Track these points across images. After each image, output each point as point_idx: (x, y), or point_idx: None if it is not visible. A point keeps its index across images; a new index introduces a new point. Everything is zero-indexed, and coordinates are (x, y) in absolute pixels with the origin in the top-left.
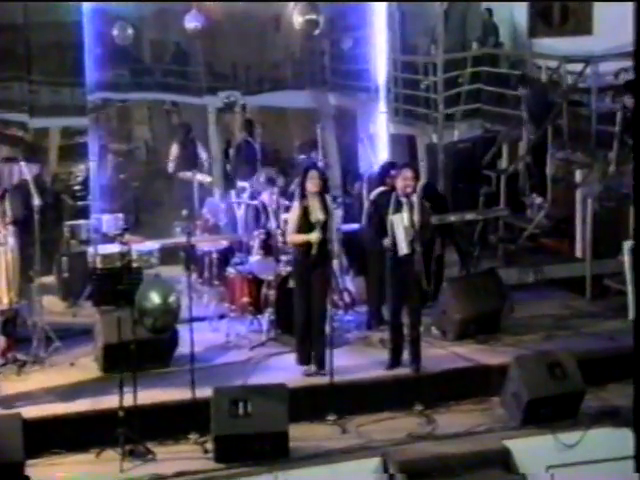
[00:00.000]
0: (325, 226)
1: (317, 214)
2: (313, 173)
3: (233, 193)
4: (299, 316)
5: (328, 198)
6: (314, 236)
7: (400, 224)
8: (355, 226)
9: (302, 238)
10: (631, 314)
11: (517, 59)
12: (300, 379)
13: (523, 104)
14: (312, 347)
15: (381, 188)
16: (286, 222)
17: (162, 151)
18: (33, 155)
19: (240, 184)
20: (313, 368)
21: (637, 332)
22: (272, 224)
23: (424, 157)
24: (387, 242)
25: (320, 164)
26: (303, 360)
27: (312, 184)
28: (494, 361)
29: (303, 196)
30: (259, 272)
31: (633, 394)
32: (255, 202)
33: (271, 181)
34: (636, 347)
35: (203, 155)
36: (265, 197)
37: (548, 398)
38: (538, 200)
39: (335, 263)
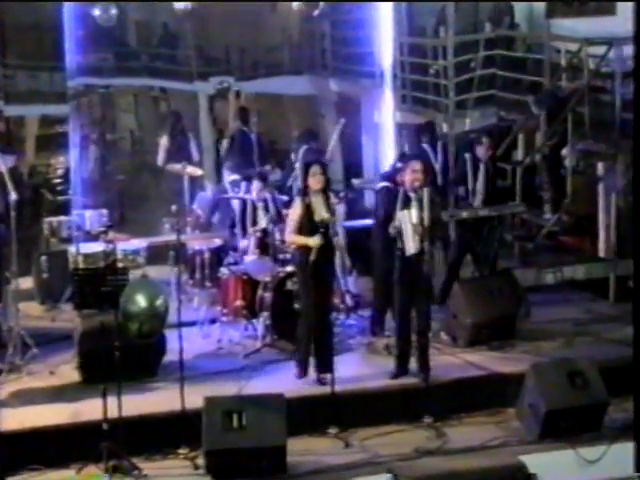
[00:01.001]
0: (328, 226)
1: (321, 213)
2: (316, 169)
3: (227, 187)
4: (305, 323)
5: (331, 196)
6: (314, 241)
7: (408, 221)
8: (359, 223)
9: (302, 241)
10: None
11: (534, 42)
12: (299, 389)
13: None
14: (318, 352)
15: (384, 183)
16: (283, 219)
17: (149, 141)
18: (8, 146)
19: (234, 177)
20: (315, 376)
21: (637, 336)
22: (268, 221)
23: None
24: (393, 229)
25: (327, 157)
26: (304, 372)
27: (315, 181)
28: (509, 369)
29: (305, 193)
30: (254, 273)
31: (633, 399)
32: (251, 197)
33: (261, 177)
34: (636, 350)
35: (194, 146)
36: (255, 193)
37: (568, 410)
38: (547, 195)
39: (337, 263)
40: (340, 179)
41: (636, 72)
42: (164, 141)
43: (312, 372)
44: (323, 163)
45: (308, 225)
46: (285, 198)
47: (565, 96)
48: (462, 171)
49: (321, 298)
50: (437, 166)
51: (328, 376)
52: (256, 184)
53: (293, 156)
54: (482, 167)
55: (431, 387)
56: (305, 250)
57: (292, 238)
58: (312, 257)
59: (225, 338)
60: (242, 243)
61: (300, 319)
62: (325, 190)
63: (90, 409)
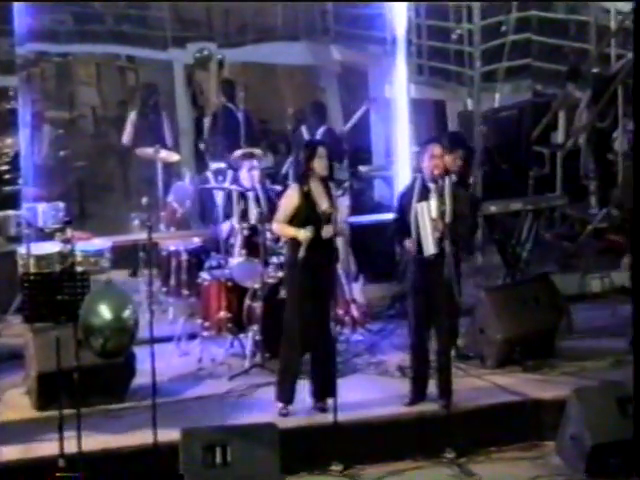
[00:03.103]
0: (330, 219)
1: (323, 203)
2: (323, 151)
3: (208, 176)
4: (288, 339)
5: (332, 186)
6: (305, 234)
7: (426, 215)
8: (366, 218)
9: (290, 232)
10: None
11: (577, 0)
12: (295, 417)
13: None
14: (317, 373)
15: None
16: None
17: (115, 120)
18: None
19: (217, 164)
20: (312, 402)
21: (637, 335)
22: (257, 216)
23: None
24: (409, 243)
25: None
26: (285, 396)
27: (322, 166)
28: (547, 395)
29: (305, 178)
30: (241, 278)
31: (633, 395)
32: (238, 187)
33: (251, 156)
34: (636, 351)
35: (168, 126)
36: (244, 177)
37: (618, 443)
38: (593, 185)
39: (340, 267)
40: (344, 166)
41: (636, 72)
42: (132, 120)
43: (308, 397)
44: (328, 145)
45: (306, 218)
46: (278, 188)
47: (615, 73)
48: None
49: (320, 309)
50: None
51: (330, 402)
52: (245, 170)
53: (291, 137)
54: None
55: (454, 416)
56: (295, 245)
57: (279, 227)
58: (301, 254)
59: (206, 357)
60: (224, 227)
61: (283, 334)
62: (326, 178)
63: (44, 443)
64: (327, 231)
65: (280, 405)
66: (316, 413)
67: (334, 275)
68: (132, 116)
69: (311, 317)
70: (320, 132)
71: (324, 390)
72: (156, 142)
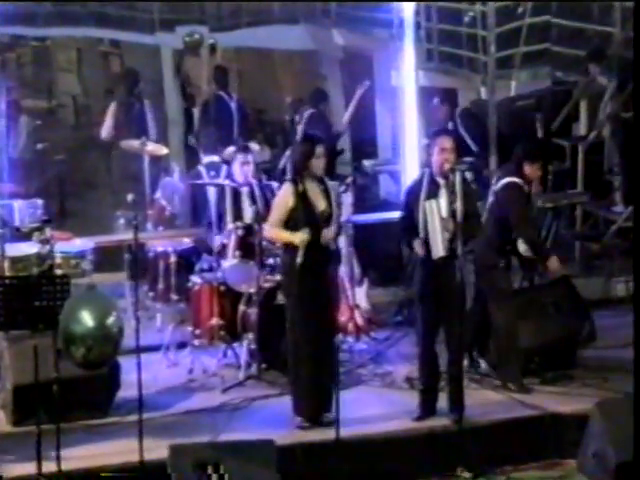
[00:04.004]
0: (329, 220)
1: (320, 204)
2: (321, 151)
3: (199, 170)
4: (305, 347)
5: (329, 183)
6: (301, 237)
7: (436, 214)
8: (371, 217)
9: (285, 237)
10: None
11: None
12: (294, 433)
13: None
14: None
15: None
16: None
17: (97, 111)
18: None
19: (210, 158)
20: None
21: (637, 335)
22: (253, 214)
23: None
24: (417, 244)
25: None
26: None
27: (319, 166)
28: (568, 409)
29: (300, 176)
30: (235, 282)
31: (633, 394)
32: (231, 183)
33: (244, 149)
34: (636, 349)
35: (150, 116)
36: (237, 172)
37: None
38: (617, 181)
39: (343, 270)
40: (347, 160)
41: (635, 72)
42: (112, 111)
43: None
44: (325, 142)
45: (302, 220)
46: (275, 185)
47: None
48: None
49: (321, 316)
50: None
51: (331, 416)
52: (238, 164)
53: (289, 129)
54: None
55: (466, 431)
56: (292, 250)
57: (272, 232)
58: (299, 259)
59: (197, 367)
60: (218, 238)
61: (290, 347)
62: (321, 176)
63: (21, 462)
64: (327, 234)
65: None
66: (317, 429)
67: (336, 279)
68: (112, 107)
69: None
70: (305, 115)
71: (326, 401)
72: (142, 134)
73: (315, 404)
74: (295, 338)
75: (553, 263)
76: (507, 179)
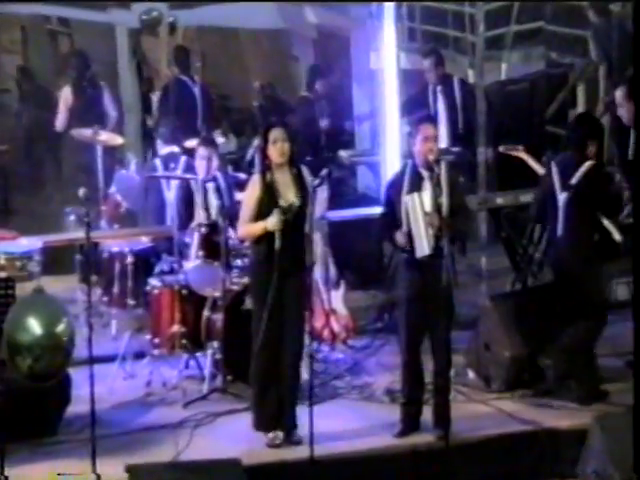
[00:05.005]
0: (302, 214)
1: (288, 195)
2: (277, 134)
3: (158, 162)
4: (261, 356)
5: (305, 171)
6: (273, 221)
7: (419, 209)
8: (348, 214)
9: (259, 227)
10: None
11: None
12: (263, 452)
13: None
14: (280, 402)
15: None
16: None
17: (45, 96)
18: None
19: (169, 149)
20: (281, 435)
21: (637, 334)
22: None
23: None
24: (401, 238)
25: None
26: (265, 423)
27: (276, 151)
28: (565, 423)
29: (266, 168)
30: (199, 286)
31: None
32: (193, 176)
33: (207, 140)
34: (636, 350)
35: (109, 102)
36: (199, 164)
37: None
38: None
39: (317, 271)
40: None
41: (636, 72)
42: (66, 95)
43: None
44: (287, 125)
45: (269, 212)
46: (243, 177)
47: None
48: None
49: (290, 321)
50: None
51: (303, 433)
52: (201, 156)
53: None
54: None
55: (453, 448)
56: (260, 245)
57: (245, 230)
58: (277, 245)
59: (156, 380)
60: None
61: (255, 349)
62: (292, 163)
63: None
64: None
65: (271, 435)
66: (288, 446)
67: (308, 281)
68: (65, 92)
69: (282, 330)
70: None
71: (286, 420)
72: (95, 122)
73: (262, 419)
74: (259, 342)
75: None
76: (587, 164)
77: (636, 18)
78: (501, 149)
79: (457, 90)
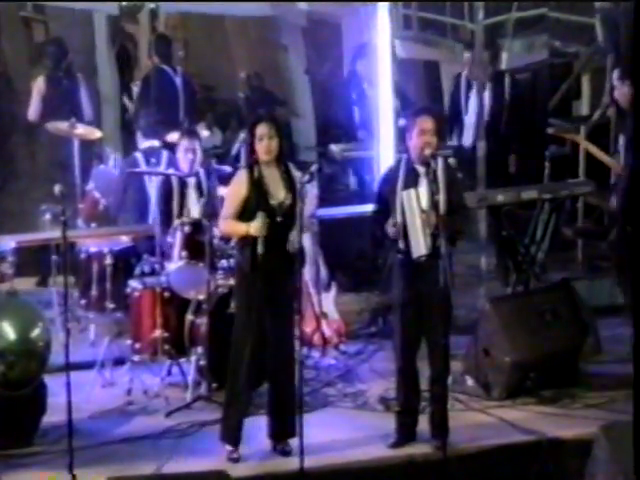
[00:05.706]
0: (291, 213)
1: (278, 193)
2: (265, 129)
3: (138, 157)
4: (239, 360)
5: (293, 168)
6: (257, 226)
7: (415, 206)
8: (340, 211)
9: (241, 229)
10: None
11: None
12: (250, 464)
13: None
14: (276, 407)
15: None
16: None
17: (18, 86)
18: None
19: (150, 143)
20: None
21: (637, 337)
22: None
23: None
24: (392, 229)
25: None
26: (231, 436)
27: (262, 149)
28: (569, 433)
29: (253, 163)
30: (182, 288)
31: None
32: (175, 172)
33: (190, 134)
34: (635, 351)
35: (86, 94)
36: (182, 158)
37: None
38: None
39: (307, 272)
40: (312, 144)
41: (636, 71)
42: (39, 88)
43: (266, 438)
44: (275, 120)
45: (259, 210)
46: (228, 169)
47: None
48: None
49: (278, 325)
50: None
51: (293, 443)
52: (183, 151)
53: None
54: None
55: (451, 460)
56: (246, 245)
57: (226, 225)
58: (259, 250)
59: (137, 387)
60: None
61: (230, 357)
62: (281, 160)
63: None
64: (293, 241)
65: (229, 448)
66: (277, 457)
67: (298, 283)
68: (39, 83)
69: (268, 336)
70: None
71: (285, 428)
72: (71, 114)
73: (227, 430)
74: (238, 348)
75: None
76: None
77: (636, 18)
78: (550, 131)
79: (508, 87)
